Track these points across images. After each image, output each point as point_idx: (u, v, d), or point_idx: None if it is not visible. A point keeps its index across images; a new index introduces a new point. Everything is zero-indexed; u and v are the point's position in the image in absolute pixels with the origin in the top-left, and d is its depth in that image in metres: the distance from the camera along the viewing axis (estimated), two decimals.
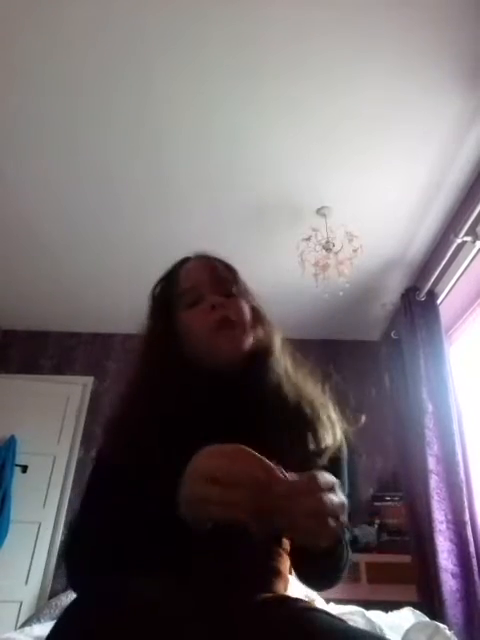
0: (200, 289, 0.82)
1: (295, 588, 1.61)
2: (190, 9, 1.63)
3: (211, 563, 0.75)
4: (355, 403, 3.65)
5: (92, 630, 0.48)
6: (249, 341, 0.79)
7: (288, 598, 0.71)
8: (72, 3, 1.62)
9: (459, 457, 2.35)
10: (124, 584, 0.53)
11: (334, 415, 0.83)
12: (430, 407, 2.52)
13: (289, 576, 0.85)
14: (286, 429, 0.74)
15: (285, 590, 0.83)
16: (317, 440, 0.75)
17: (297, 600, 0.70)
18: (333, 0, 1.59)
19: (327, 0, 1.60)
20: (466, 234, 2.21)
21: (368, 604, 1.79)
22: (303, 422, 0.77)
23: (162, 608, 0.53)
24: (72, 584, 0.70)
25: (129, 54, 1.78)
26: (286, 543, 0.84)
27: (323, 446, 0.74)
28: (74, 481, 3.39)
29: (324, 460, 0.74)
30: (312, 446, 0.74)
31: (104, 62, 1.81)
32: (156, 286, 0.90)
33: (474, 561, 2.19)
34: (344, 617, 1.06)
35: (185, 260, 0.91)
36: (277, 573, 0.80)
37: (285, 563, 0.83)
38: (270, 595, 0.74)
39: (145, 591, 0.54)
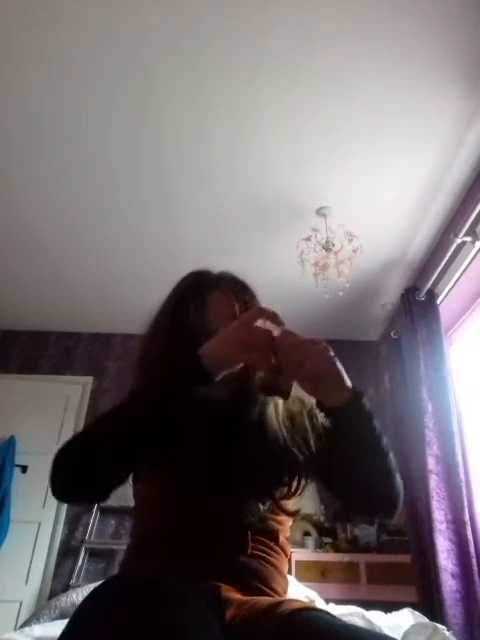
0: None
1: (295, 588, 1.61)
2: (190, 12, 1.63)
3: (209, 558, 0.76)
4: None
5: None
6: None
7: (286, 600, 0.71)
8: (73, 5, 1.62)
9: (459, 457, 2.35)
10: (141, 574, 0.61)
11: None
12: (430, 407, 2.52)
13: (289, 576, 0.86)
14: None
15: (284, 587, 0.83)
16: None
17: (294, 601, 0.70)
18: (332, 3, 1.60)
19: (326, 3, 1.60)
20: (466, 234, 2.21)
21: (368, 604, 1.79)
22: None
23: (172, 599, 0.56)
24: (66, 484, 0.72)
25: (129, 56, 1.78)
26: (283, 541, 0.84)
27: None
28: None
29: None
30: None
31: (104, 64, 1.81)
32: (180, 297, 0.91)
33: (474, 561, 2.19)
34: (343, 618, 1.07)
35: (214, 283, 0.91)
36: (274, 568, 0.81)
37: (281, 560, 0.83)
38: (267, 598, 0.74)
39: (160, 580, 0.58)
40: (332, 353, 0.73)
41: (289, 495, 0.83)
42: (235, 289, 0.91)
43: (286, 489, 0.82)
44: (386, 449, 0.76)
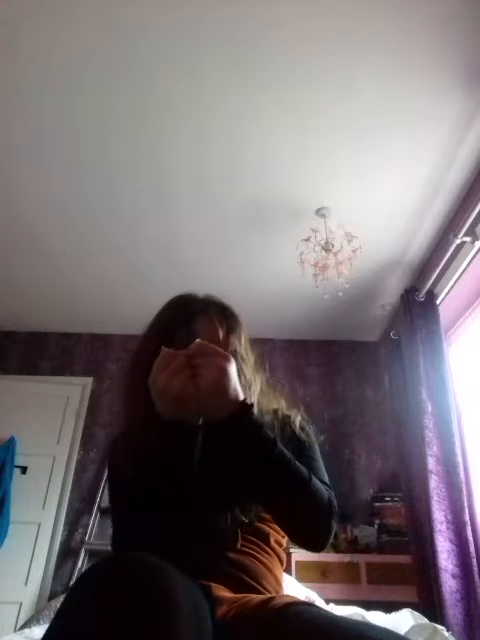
0: None
1: (295, 589, 1.61)
2: (190, 14, 1.63)
3: (199, 554, 0.76)
4: (355, 404, 3.65)
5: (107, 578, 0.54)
6: None
7: (277, 596, 0.71)
8: (74, 9, 1.63)
9: (459, 457, 2.35)
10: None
11: (296, 417, 0.95)
12: (429, 407, 2.52)
13: (289, 577, 0.86)
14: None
15: (276, 588, 0.82)
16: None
17: (286, 596, 0.70)
18: (332, 3, 1.60)
19: (326, 4, 1.60)
20: (465, 234, 2.21)
21: (368, 605, 1.79)
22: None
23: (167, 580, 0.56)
24: None
25: (130, 58, 1.79)
26: (274, 543, 0.84)
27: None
28: (74, 482, 3.39)
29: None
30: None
31: (105, 65, 1.81)
32: (167, 323, 0.93)
33: (474, 561, 2.19)
34: None
35: (200, 310, 0.93)
36: (265, 566, 0.81)
37: (273, 561, 0.83)
38: (259, 595, 0.74)
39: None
40: (229, 369, 0.71)
41: None
42: (220, 315, 0.93)
43: None
44: (285, 476, 0.73)
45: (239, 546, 0.78)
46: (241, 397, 0.72)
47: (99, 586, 0.52)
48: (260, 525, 0.83)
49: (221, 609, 0.68)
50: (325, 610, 0.63)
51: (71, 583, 1.76)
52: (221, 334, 0.90)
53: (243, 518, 0.81)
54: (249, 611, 0.66)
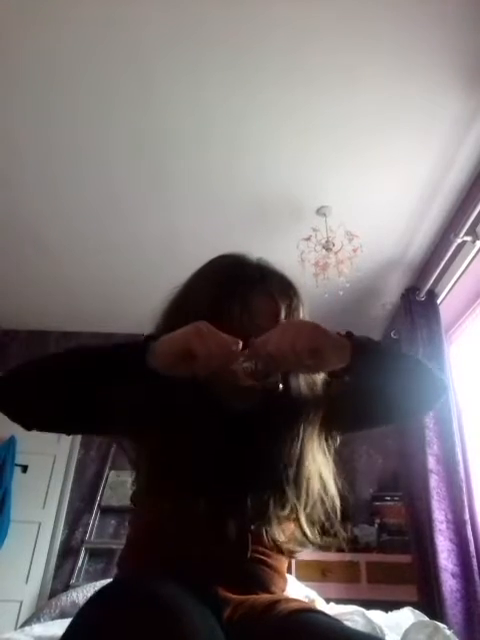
0: None
1: (295, 588, 1.61)
2: (191, 13, 1.63)
3: (209, 564, 0.75)
4: None
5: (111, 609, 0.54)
6: None
7: (283, 599, 0.70)
8: (74, 7, 1.63)
9: (459, 457, 2.35)
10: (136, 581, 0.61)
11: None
12: None
13: (289, 576, 0.86)
14: None
15: (282, 587, 0.82)
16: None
17: (292, 600, 0.70)
18: (333, 4, 1.60)
19: (326, 2, 1.60)
20: (466, 234, 2.21)
21: (368, 604, 1.79)
22: None
23: (167, 603, 0.55)
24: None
25: (131, 57, 1.79)
26: (281, 542, 0.84)
27: None
28: (74, 481, 3.39)
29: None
30: None
31: (106, 65, 1.81)
32: (220, 291, 0.82)
33: (474, 561, 2.19)
34: (344, 617, 1.07)
35: (258, 280, 0.84)
36: (274, 570, 0.80)
37: (281, 561, 0.83)
38: (265, 596, 0.73)
39: (154, 587, 0.58)
40: (313, 323, 0.75)
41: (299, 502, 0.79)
42: (282, 292, 0.85)
43: (293, 485, 0.79)
44: (408, 365, 0.79)
45: (250, 555, 0.76)
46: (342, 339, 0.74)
47: (102, 625, 0.51)
48: (273, 528, 0.79)
49: (227, 611, 0.68)
50: (330, 617, 0.63)
51: (77, 602, 1.70)
52: (283, 313, 0.82)
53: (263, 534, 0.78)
54: (256, 613, 0.66)
